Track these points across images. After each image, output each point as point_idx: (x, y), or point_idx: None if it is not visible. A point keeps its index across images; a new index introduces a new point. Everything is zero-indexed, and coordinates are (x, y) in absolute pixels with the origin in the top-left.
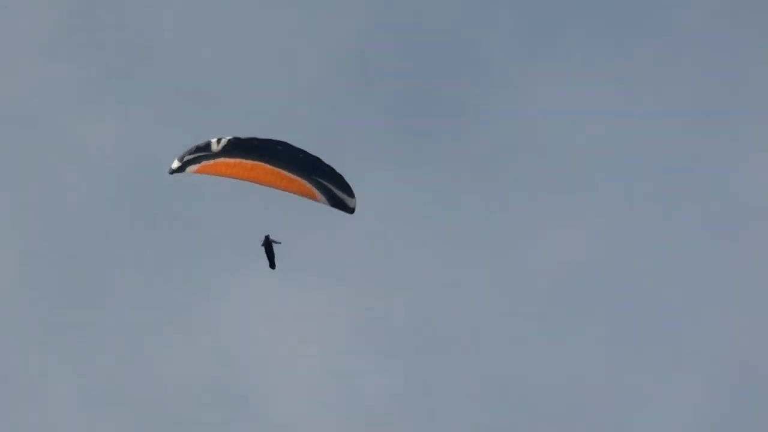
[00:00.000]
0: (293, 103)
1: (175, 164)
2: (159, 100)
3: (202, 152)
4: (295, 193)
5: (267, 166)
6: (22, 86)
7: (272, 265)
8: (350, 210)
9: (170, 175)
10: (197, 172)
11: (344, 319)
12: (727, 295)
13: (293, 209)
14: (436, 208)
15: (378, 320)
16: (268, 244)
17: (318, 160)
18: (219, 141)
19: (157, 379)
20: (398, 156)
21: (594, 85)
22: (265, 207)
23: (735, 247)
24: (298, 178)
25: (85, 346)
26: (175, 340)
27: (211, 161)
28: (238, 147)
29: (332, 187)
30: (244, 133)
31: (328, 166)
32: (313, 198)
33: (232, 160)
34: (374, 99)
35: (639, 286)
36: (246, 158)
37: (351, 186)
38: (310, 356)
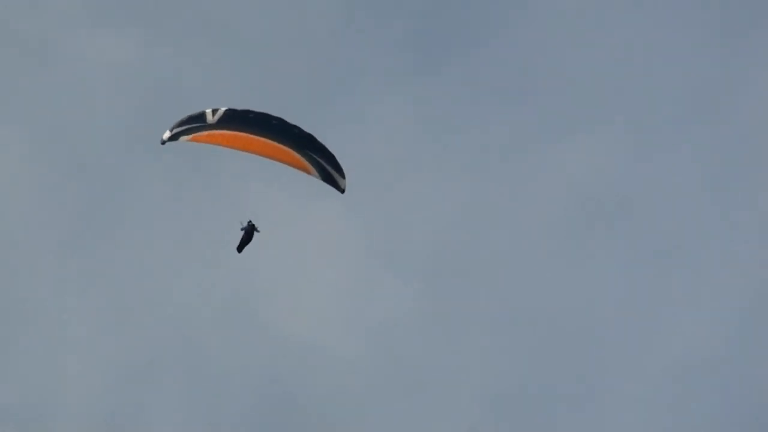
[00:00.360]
0: (305, 22)
1: (167, 134)
2: (177, 22)
3: (195, 123)
4: (288, 164)
5: (262, 138)
6: (39, 6)
7: (240, 249)
8: (341, 189)
9: (163, 144)
10: (191, 141)
11: (358, 241)
12: (747, 218)
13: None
14: (453, 132)
15: (393, 243)
16: (249, 230)
17: (312, 137)
18: (214, 112)
19: (173, 299)
20: (413, 80)
21: (609, 5)
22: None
23: (759, 170)
24: (292, 151)
25: (101, 266)
26: (190, 260)
27: (205, 132)
28: (233, 119)
29: (324, 164)
30: (249, 56)
31: (321, 144)
32: (306, 171)
33: (226, 132)
34: (388, 18)
35: (657, 209)
36: (240, 130)
37: (342, 166)
38: (325, 278)
